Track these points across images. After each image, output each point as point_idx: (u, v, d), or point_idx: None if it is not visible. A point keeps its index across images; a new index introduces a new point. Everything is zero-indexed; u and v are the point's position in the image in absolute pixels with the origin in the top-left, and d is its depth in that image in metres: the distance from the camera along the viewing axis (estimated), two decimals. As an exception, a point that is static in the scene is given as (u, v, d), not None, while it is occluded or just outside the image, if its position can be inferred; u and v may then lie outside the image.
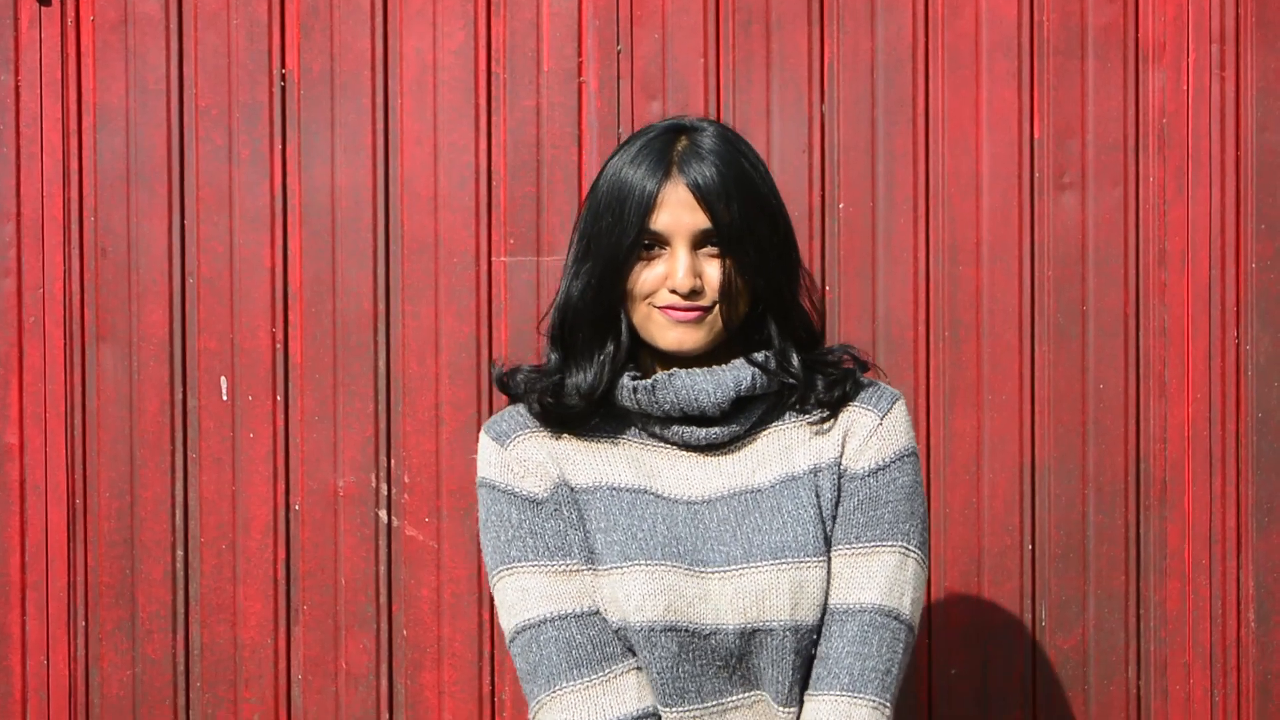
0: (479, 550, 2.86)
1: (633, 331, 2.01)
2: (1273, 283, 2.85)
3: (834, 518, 2.01)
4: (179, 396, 2.87)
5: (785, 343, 2.03)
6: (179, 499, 2.87)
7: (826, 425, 2.04)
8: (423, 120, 2.86)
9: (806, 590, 1.97)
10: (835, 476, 2.02)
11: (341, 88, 2.86)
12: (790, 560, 1.97)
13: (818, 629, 1.98)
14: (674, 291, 1.97)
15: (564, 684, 1.97)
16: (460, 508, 2.86)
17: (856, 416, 2.04)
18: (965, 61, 2.85)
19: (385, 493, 2.87)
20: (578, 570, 2.00)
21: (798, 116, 2.85)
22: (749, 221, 1.97)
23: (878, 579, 1.98)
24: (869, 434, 2.03)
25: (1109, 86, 2.86)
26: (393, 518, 2.87)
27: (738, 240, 1.96)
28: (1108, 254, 2.86)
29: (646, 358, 2.05)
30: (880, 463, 2.02)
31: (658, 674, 1.96)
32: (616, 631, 1.98)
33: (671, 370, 2.00)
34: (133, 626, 2.88)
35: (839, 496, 2.01)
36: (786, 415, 2.05)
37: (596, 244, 1.98)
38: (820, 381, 2.03)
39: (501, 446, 2.03)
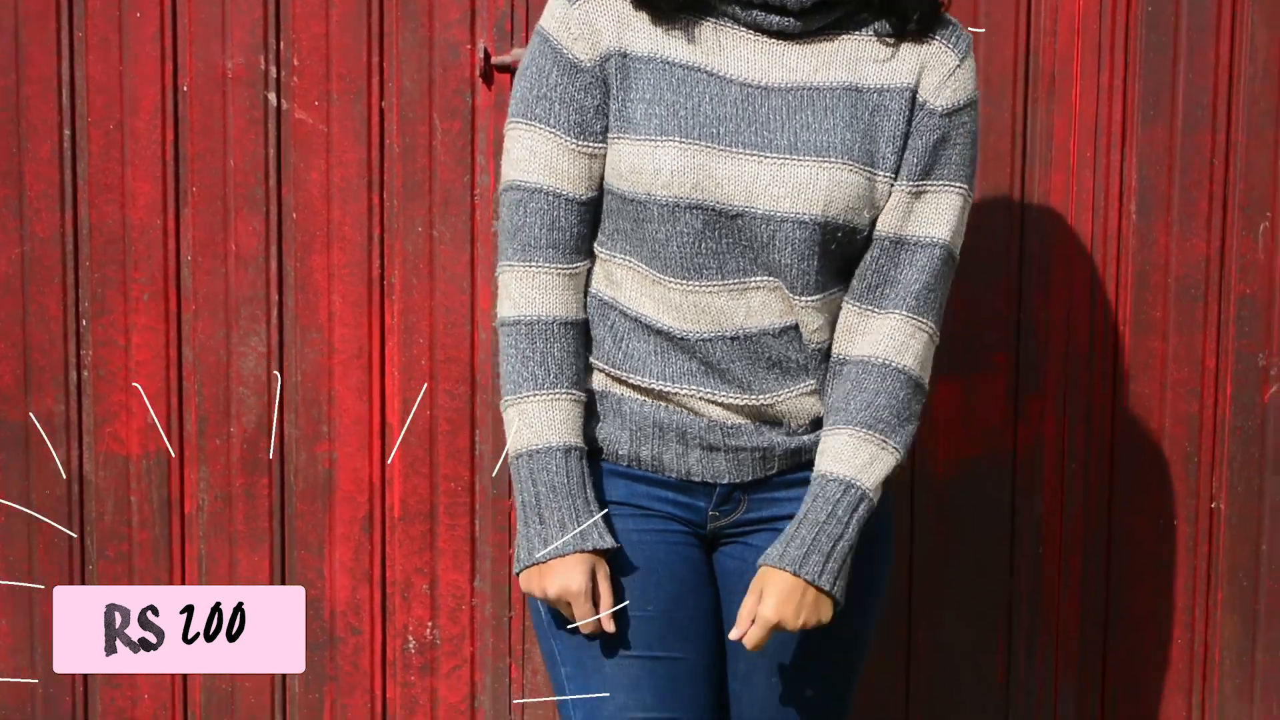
0: (369, 134, 2.86)
1: None
2: (1166, -127, 2.85)
3: (895, 140, 2.06)
4: (64, -26, 2.84)
5: None
6: (65, 78, 2.85)
7: (903, 50, 2.08)
8: None
9: (843, 190, 2.03)
10: (906, 104, 2.07)
11: None
12: (834, 160, 2.03)
13: (844, 231, 2.05)
14: None
15: (538, 259, 2.08)
16: (350, 91, 2.84)
17: (936, 51, 2.09)
18: None
19: (274, 75, 2.85)
20: (590, 154, 2.07)
21: None
22: None
23: (946, 218, 2.09)
24: (949, 74, 2.09)
25: None
26: (282, 100, 2.86)
27: None
28: None
29: None
30: (956, 104, 2.09)
31: (677, 248, 2.03)
32: (636, 201, 2.04)
33: None
34: (20, 205, 2.87)
35: (908, 128, 2.07)
36: (864, 29, 2.08)
37: None
38: (907, 6, 2.06)
39: (569, 2, 2.07)
